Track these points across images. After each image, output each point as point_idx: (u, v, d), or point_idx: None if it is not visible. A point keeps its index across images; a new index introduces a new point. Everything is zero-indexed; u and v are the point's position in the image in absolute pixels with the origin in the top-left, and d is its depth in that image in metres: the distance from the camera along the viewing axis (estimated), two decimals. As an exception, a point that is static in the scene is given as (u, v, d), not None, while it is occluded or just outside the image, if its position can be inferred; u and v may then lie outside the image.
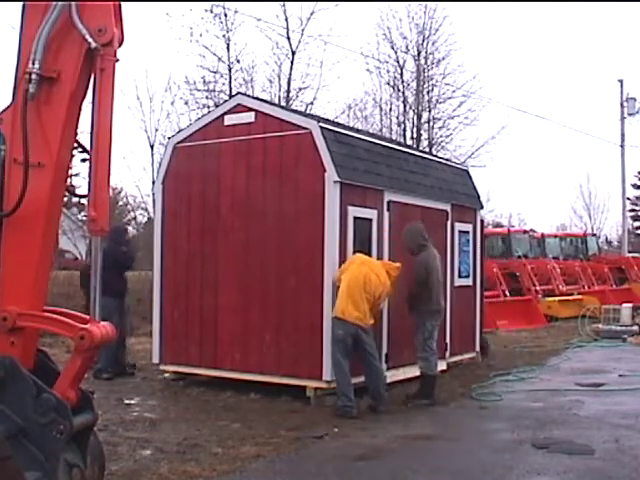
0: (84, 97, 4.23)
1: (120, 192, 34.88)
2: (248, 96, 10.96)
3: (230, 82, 21.56)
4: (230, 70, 21.56)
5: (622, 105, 33.12)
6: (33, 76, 4.04)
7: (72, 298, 13.41)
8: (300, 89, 22.37)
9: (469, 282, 11.22)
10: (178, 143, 9.51)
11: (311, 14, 21.62)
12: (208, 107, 20.15)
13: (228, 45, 21.36)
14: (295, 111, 12.07)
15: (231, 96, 12.76)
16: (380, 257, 8.91)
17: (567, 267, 23.83)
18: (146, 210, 24.94)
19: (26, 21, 4.19)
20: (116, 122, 4.10)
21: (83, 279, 11.57)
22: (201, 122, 9.57)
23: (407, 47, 25.52)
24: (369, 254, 8.75)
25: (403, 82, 25.69)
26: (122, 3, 4.23)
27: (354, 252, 8.47)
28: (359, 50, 28.04)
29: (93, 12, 4.07)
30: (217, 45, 21.35)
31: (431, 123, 25.73)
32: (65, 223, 24.34)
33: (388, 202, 9.19)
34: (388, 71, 25.73)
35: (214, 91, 21.63)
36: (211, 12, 20.96)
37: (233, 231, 8.96)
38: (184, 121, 20.17)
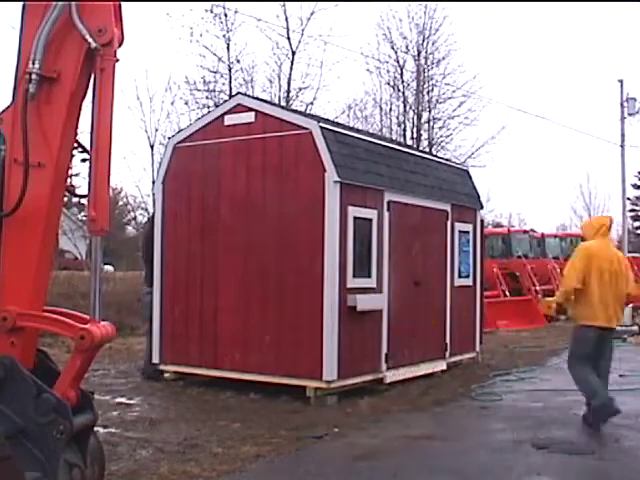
0: (84, 97, 4.22)
1: (120, 192, 34.97)
2: (248, 96, 10.96)
3: (230, 82, 21.61)
4: (230, 70, 21.61)
5: (622, 105, 33.04)
6: (33, 76, 4.04)
7: (72, 298, 13.39)
8: (300, 89, 22.43)
9: (469, 282, 11.22)
10: (178, 143, 9.51)
11: (311, 14, 21.70)
12: (208, 107, 20.19)
13: (228, 45, 21.43)
14: (295, 111, 12.08)
15: (231, 96, 12.77)
16: (380, 257, 8.92)
17: (567, 267, 23.78)
18: (146, 210, 25.00)
19: (26, 21, 4.19)
20: (116, 122, 4.10)
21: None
22: (201, 122, 9.57)
23: (407, 47, 25.58)
24: (369, 254, 8.78)
25: (403, 82, 25.72)
26: (122, 3, 4.23)
27: (354, 252, 8.48)
28: (359, 50, 28.07)
29: (93, 12, 4.07)
30: (217, 45, 21.44)
31: (431, 123, 25.75)
32: (65, 223, 24.35)
33: (388, 202, 9.19)
34: (388, 71, 25.78)
35: (214, 91, 21.68)
36: (211, 12, 21.06)
37: (233, 231, 8.96)
38: (184, 121, 20.26)
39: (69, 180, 4.83)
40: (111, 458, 5.52)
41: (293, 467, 5.85)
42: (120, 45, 4.17)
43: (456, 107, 25.42)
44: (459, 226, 10.91)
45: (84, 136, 4.28)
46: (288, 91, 22.08)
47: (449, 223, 10.61)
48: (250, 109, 8.99)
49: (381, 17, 26.09)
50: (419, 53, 25.48)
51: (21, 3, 4.22)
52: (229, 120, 9.10)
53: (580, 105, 74.60)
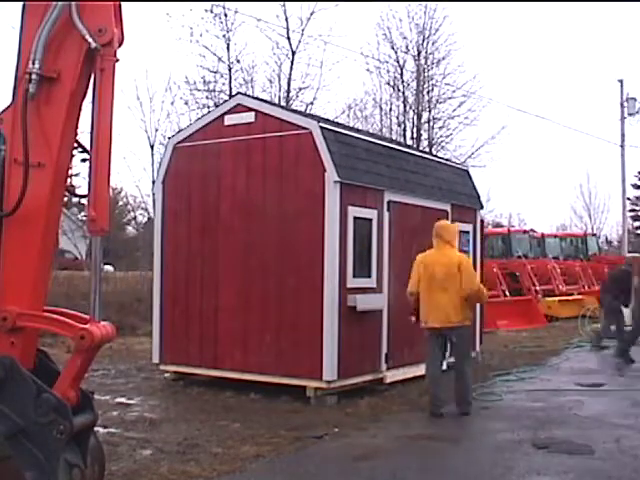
0: (84, 97, 4.23)
1: (120, 192, 34.98)
2: (248, 96, 10.96)
3: (230, 82, 21.58)
4: (230, 70, 21.58)
5: (622, 105, 33.07)
6: (33, 76, 4.04)
7: (72, 298, 13.38)
8: (300, 89, 22.39)
9: (469, 282, 11.19)
10: (178, 143, 9.51)
11: (311, 14, 21.65)
12: (208, 107, 20.16)
13: (228, 45, 21.39)
14: (295, 111, 12.07)
15: (231, 96, 12.76)
16: (380, 257, 8.91)
17: (567, 267, 23.83)
18: (146, 210, 24.99)
19: (26, 21, 4.19)
20: (116, 122, 4.11)
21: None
22: (201, 122, 9.57)
23: (407, 47, 25.54)
24: (369, 254, 8.78)
25: (403, 82, 25.70)
26: (122, 3, 4.23)
27: (354, 252, 8.48)
28: (359, 50, 28.06)
29: (93, 12, 4.07)
30: (217, 45, 21.40)
31: (431, 123, 25.72)
32: (65, 223, 24.31)
33: (388, 202, 9.19)
34: (388, 71, 25.75)
35: (214, 91, 21.64)
36: (211, 12, 21.00)
37: (233, 231, 8.96)
38: (184, 121, 20.20)
39: (69, 180, 4.83)
40: (111, 458, 5.52)
41: (293, 467, 5.85)
42: (120, 45, 4.17)
43: (456, 107, 25.41)
44: (459, 226, 10.88)
45: (84, 136, 4.29)
46: (288, 91, 22.05)
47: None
48: (250, 109, 8.99)
49: (381, 17, 26.12)
50: (419, 53, 25.46)
51: (21, 3, 4.22)
52: (229, 120, 9.11)
53: (580, 105, 74.72)
